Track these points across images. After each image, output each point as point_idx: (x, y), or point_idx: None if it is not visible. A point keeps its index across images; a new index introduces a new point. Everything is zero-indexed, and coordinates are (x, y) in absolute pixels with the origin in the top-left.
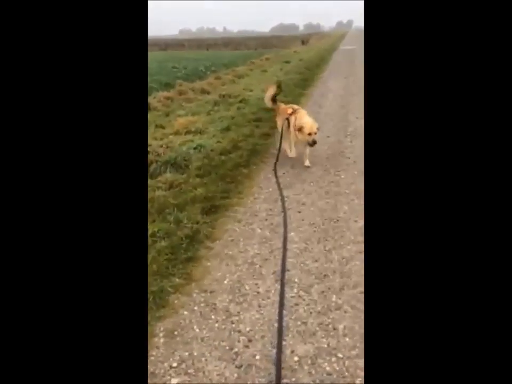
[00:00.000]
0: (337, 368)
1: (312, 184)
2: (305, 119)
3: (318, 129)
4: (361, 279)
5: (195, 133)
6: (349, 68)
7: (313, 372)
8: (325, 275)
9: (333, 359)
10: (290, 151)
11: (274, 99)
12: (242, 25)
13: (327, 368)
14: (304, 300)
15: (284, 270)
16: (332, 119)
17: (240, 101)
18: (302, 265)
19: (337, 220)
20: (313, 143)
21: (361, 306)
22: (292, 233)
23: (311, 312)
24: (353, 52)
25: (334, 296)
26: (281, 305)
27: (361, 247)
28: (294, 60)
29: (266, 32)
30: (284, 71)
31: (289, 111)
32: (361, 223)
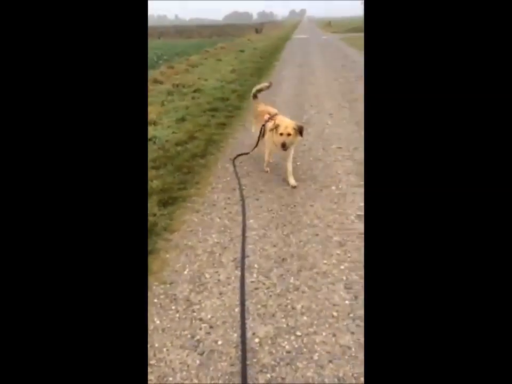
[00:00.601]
0: (296, 346)
1: (269, 171)
2: (283, 119)
3: (298, 131)
4: (317, 261)
5: (149, 124)
6: (303, 57)
7: (273, 351)
8: (283, 259)
9: (292, 337)
10: (266, 165)
11: (256, 95)
12: (194, 13)
13: (287, 347)
14: (264, 284)
15: (243, 256)
16: (288, 107)
17: (195, 91)
18: (261, 250)
19: (294, 206)
20: (283, 146)
21: (317, 286)
22: (251, 221)
23: (270, 295)
24: (306, 41)
25: (292, 278)
26: (243, 290)
27: (318, 230)
28: (248, 48)
29: (219, 21)
30: (239, 60)
31: (266, 116)
32: (316, 206)
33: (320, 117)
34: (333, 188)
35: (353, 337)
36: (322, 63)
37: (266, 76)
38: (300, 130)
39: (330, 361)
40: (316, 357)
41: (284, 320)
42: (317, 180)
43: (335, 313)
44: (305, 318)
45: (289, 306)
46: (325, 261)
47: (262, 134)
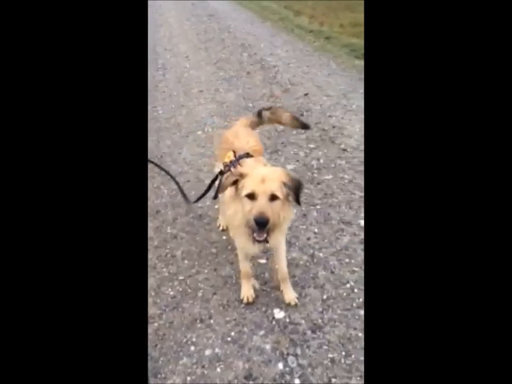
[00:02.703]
0: (180, 289)
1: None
2: (257, 163)
3: (293, 190)
4: (192, 207)
5: None
6: None
7: (158, 300)
8: (157, 211)
9: (175, 283)
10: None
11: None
12: None
13: (171, 293)
14: None
15: None
16: None
17: None
18: None
19: (162, 156)
20: (259, 226)
21: (195, 230)
22: None
23: (148, 249)
24: None
25: (169, 227)
26: None
27: (188, 176)
28: None
29: None
30: None
31: (229, 156)
32: (185, 154)
33: (177, 60)
34: (199, 132)
35: (233, 267)
36: (171, 1)
37: None
38: (295, 190)
39: (214, 293)
40: (199, 294)
41: (165, 269)
42: (182, 127)
43: (214, 250)
44: (186, 262)
45: (169, 255)
46: (200, 205)
47: (219, 188)
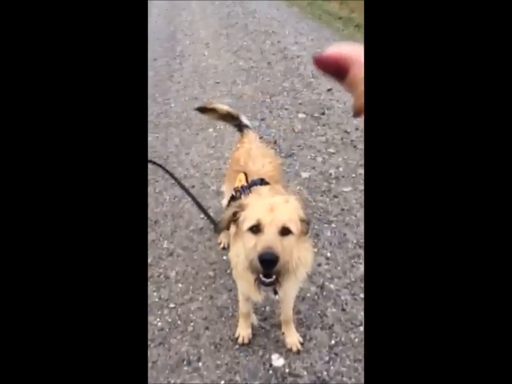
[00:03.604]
0: (170, 320)
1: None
2: (267, 192)
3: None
4: (193, 217)
5: None
6: None
7: None
8: (155, 221)
9: (165, 311)
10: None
11: (241, 127)
12: None
13: (159, 324)
14: None
15: None
16: (158, 38)
17: None
18: None
19: (168, 156)
20: (265, 265)
21: (194, 246)
22: None
23: None
24: None
25: (166, 242)
26: None
27: (193, 181)
28: None
29: None
30: None
31: (239, 182)
32: (193, 155)
33: (195, 47)
34: (210, 130)
35: (230, 295)
36: None
37: None
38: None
39: (207, 328)
40: (190, 328)
41: (155, 293)
42: (193, 123)
43: (212, 273)
44: (180, 285)
45: (162, 276)
46: (202, 216)
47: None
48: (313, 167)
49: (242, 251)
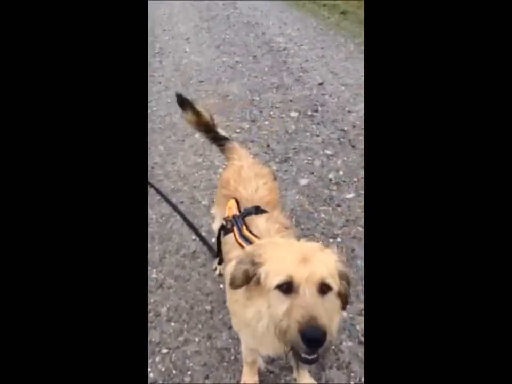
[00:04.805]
0: (163, 370)
1: None
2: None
3: (345, 280)
4: (184, 239)
5: None
6: None
7: None
8: None
9: (157, 359)
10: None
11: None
12: None
13: (151, 375)
14: None
15: None
16: None
17: None
18: None
19: (152, 168)
20: (310, 345)
21: (186, 274)
22: None
23: None
24: None
25: (155, 270)
26: None
27: (182, 195)
28: None
29: None
30: None
31: (231, 209)
32: (179, 165)
33: (176, 43)
34: (197, 135)
35: (231, 333)
36: None
37: None
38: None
39: (206, 377)
40: (188, 378)
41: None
42: (178, 128)
43: (208, 307)
44: (173, 324)
45: (151, 314)
46: (194, 237)
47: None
48: (311, 172)
49: (265, 312)
